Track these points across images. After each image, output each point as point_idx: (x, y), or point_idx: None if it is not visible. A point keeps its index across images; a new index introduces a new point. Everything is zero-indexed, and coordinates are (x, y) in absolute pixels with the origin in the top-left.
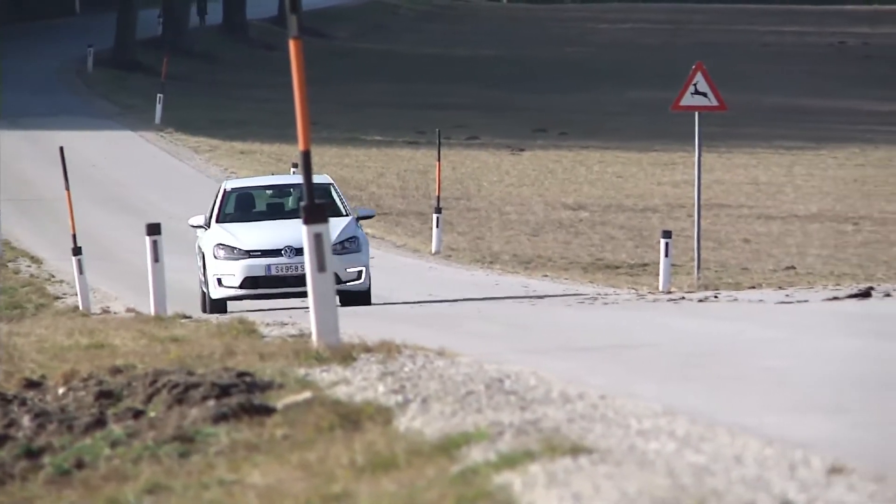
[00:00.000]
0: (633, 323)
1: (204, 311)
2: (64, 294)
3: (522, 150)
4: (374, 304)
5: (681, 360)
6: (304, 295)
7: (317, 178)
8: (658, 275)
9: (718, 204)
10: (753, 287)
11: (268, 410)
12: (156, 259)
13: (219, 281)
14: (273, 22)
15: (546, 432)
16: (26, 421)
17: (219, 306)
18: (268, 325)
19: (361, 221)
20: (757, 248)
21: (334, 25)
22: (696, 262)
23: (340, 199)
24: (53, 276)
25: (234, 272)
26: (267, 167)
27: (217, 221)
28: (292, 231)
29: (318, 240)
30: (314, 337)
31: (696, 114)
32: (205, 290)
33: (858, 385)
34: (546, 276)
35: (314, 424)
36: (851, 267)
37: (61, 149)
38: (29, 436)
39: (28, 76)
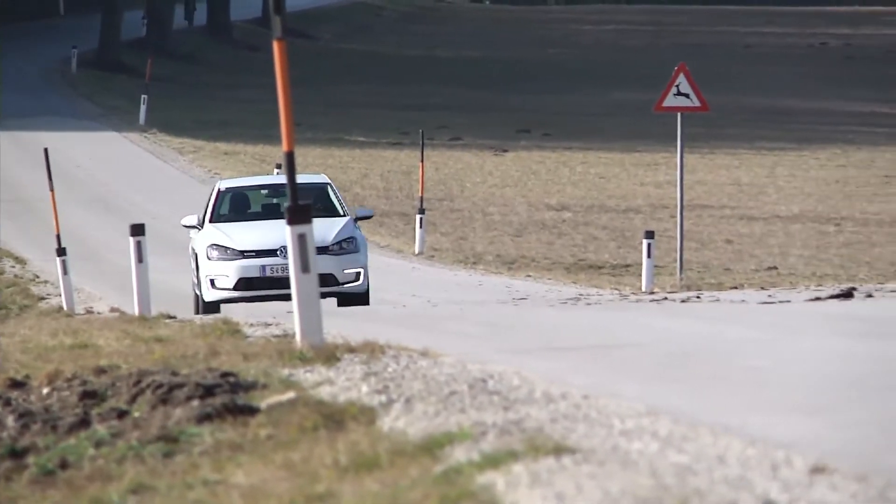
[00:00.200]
0: (616, 323)
1: (197, 313)
2: (48, 294)
3: (506, 150)
4: (357, 304)
5: (663, 361)
6: None
7: (314, 178)
8: (641, 275)
9: (701, 205)
10: (736, 287)
11: (252, 410)
12: (140, 259)
13: (212, 282)
14: (257, 23)
15: (529, 432)
16: (10, 421)
17: (212, 309)
18: (252, 325)
19: (360, 222)
20: (739, 248)
21: (318, 26)
22: (678, 263)
23: (338, 199)
24: (38, 277)
25: (227, 273)
26: (251, 168)
27: (211, 221)
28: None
29: (301, 240)
30: (298, 337)
31: (679, 115)
32: (197, 292)
33: (841, 385)
34: (529, 276)
35: (298, 424)
36: (833, 267)
37: (45, 150)
38: (13, 436)
39: (12, 77)
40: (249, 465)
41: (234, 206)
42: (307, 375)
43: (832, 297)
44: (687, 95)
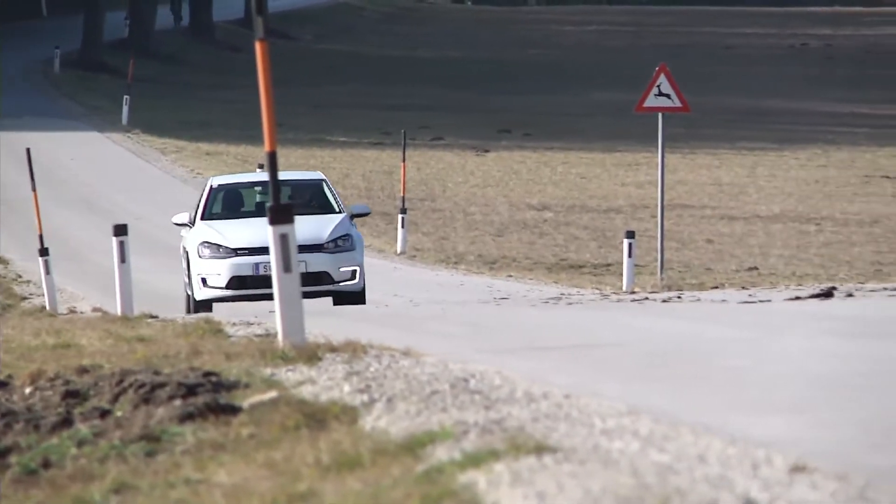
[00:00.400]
0: (597, 323)
1: (188, 313)
2: (31, 294)
3: (487, 151)
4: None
5: (644, 360)
6: None
7: (309, 175)
8: (622, 275)
9: (682, 204)
10: (716, 287)
11: (234, 410)
12: (122, 259)
13: (203, 281)
14: (239, 24)
15: (511, 431)
16: None
17: (204, 308)
18: (234, 324)
19: (356, 219)
20: (720, 248)
21: (300, 27)
22: (659, 263)
23: (333, 196)
24: (20, 277)
25: (219, 271)
26: (233, 168)
27: (202, 219)
28: None
29: (283, 240)
30: (280, 337)
31: (660, 115)
32: (189, 291)
33: (821, 384)
34: (510, 276)
35: (280, 424)
36: (813, 267)
37: (28, 150)
38: None
39: None
40: (232, 464)
41: (227, 204)
42: (289, 375)
43: (812, 296)
44: (668, 96)
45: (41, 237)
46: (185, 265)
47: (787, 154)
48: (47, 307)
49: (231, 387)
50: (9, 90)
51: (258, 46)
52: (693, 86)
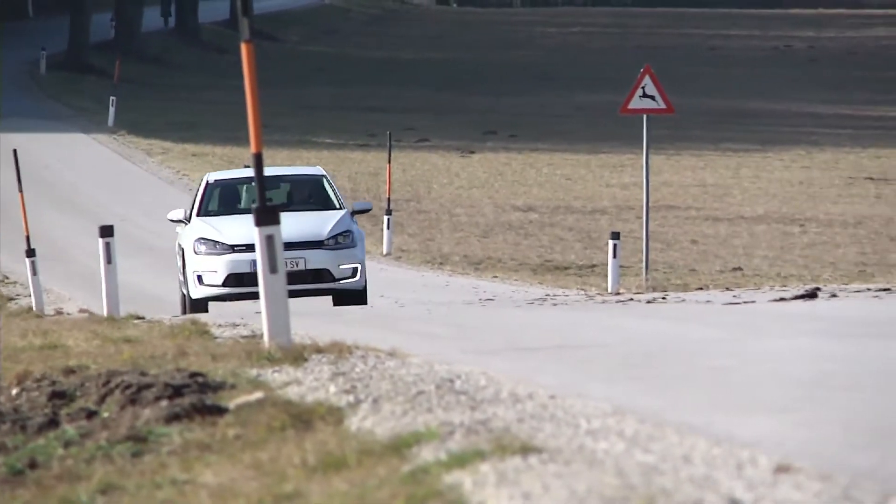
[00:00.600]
0: (582, 324)
1: (184, 313)
2: (17, 295)
3: (472, 152)
4: (322, 305)
5: (629, 361)
6: (293, 295)
7: (309, 170)
8: (607, 276)
9: (666, 206)
10: (701, 288)
11: (220, 410)
12: (108, 260)
13: (199, 278)
14: (225, 25)
15: (496, 432)
16: None
17: (200, 307)
18: (220, 326)
19: (357, 216)
20: (704, 249)
21: (286, 29)
22: (644, 264)
23: (334, 192)
24: (7, 278)
25: (216, 268)
26: (219, 169)
27: (198, 215)
28: (281, 224)
29: (269, 241)
30: (266, 338)
31: (645, 116)
32: (184, 290)
33: (805, 385)
34: (496, 277)
35: (266, 424)
36: (798, 268)
37: (14, 151)
38: None
39: None
40: (218, 464)
41: (223, 200)
42: (275, 376)
43: (796, 297)
44: (652, 98)
45: (28, 238)
46: (180, 263)
47: (771, 155)
48: (34, 308)
49: (217, 388)
50: None
51: (244, 48)
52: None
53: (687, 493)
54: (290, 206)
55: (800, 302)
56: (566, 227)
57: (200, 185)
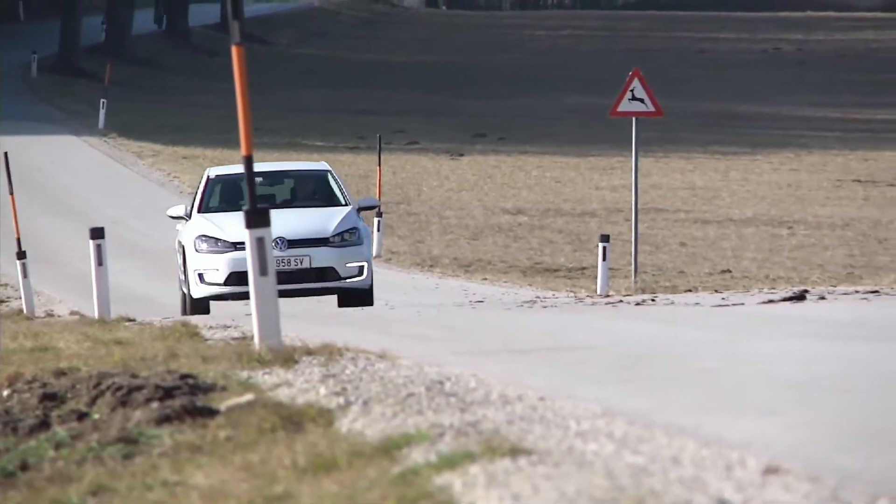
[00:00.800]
0: (572, 326)
1: (184, 313)
2: (8, 297)
3: (462, 154)
4: (313, 307)
5: (619, 363)
6: (298, 294)
7: (313, 165)
8: (596, 278)
9: (655, 208)
10: (690, 290)
11: (211, 412)
12: (99, 263)
13: (200, 277)
14: (215, 28)
15: (486, 434)
16: None
17: (201, 307)
18: (210, 328)
19: (363, 212)
20: (693, 251)
21: (276, 32)
22: (633, 266)
23: (339, 188)
24: None
25: (217, 267)
26: None
27: (199, 212)
28: (284, 221)
29: (259, 244)
30: (256, 340)
31: (634, 119)
32: (184, 289)
33: (793, 386)
34: (486, 279)
35: (256, 426)
36: (786, 270)
37: (5, 154)
38: None
39: None
40: (208, 466)
41: (225, 196)
42: (266, 378)
43: (785, 299)
44: (641, 100)
45: (18, 240)
46: (180, 261)
47: (759, 158)
48: (25, 310)
49: (208, 389)
50: None
51: (234, 51)
52: (666, 90)
53: (676, 495)
54: (294, 202)
55: (788, 304)
56: (556, 230)
57: (201, 180)
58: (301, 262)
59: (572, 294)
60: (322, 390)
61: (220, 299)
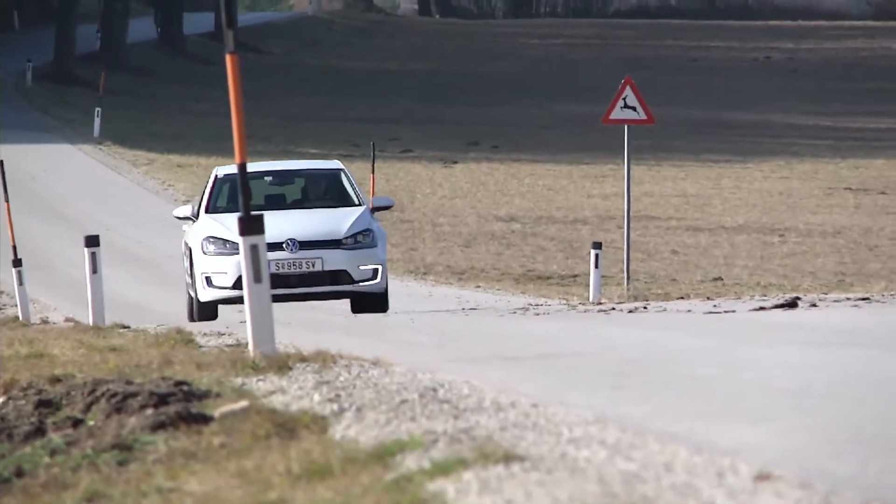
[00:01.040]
0: (564, 333)
1: (191, 318)
2: (4, 305)
3: (455, 162)
4: (306, 314)
5: (611, 369)
6: (309, 298)
7: (325, 164)
8: (588, 285)
9: (647, 216)
10: (682, 297)
11: (205, 419)
12: (94, 270)
13: (207, 280)
14: (209, 37)
15: (479, 440)
16: None
17: (208, 311)
18: (205, 335)
19: (377, 213)
20: (685, 259)
21: (270, 41)
22: (625, 273)
23: (353, 187)
24: None
25: (226, 269)
26: (204, 180)
27: (207, 212)
28: (295, 222)
29: (253, 251)
30: (250, 347)
31: (626, 127)
32: (191, 292)
33: (785, 393)
34: (479, 286)
35: (251, 433)
36: (777, 277)
37: (0, 162)
38: None
39: None
40: (203, 472)
41: (234, 196)
42: (260, 384)
43: (776, 306)
44: (634, 108)
45: (14, 248)
46: (186, 263)
47: (751, 166)
48: (20, 317)
49: (202, 396)
50: None
51: (229, 59)
52: (658, 98)
53: (668, 501)
54: (306, 202)
55: (780, 311)
56: (548, 237)
57: (209, 180)
58: (313, 265)
59: (565, 301)
60: (316, 397)
61: (228, 303)
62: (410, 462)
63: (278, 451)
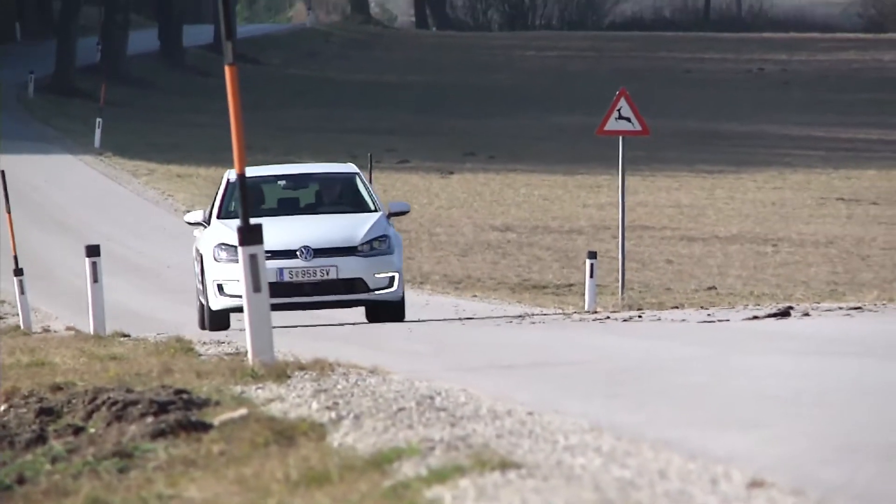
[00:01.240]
0: (560, 341)
1: (202, 326)
2: (5, 314)
3: (452, 173)
4: (304, 325)
5: (606, 378)
6: (324, 306)
7: (339, 168)
8: (584, 295)
9: (642, 226)
10: (676, 307)
11: (205, 427)
12: (95, 279)
13: (220, 288)
14: (209, 49)
15: (475, 448)
16: None
17: (220, 320)
18: (204, 343)
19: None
20: (679, 268)
21: (268, 52)
22: (620, 283)
23: (368, 192)
24: None
25: (238, 277)
26: (203, 190)
27: (219, 217)
28: (310, 228)
29: (253, 261)
30: (249, 355)
31: (621, 138)
32: (203, 300)
33: (777, 401)
34: (475, 296)
35: (250, 440)
36: (770, 287)
37: (2, 172)
38: None
39: None
40: (202, 479)
41: (247, 200)
42: (259, 392)
43: (769, 315)
44: (628, 119)
45: (15, 258)
46: (198, 270)
47: (744, 176)
48: (22, 326)
49: (202, 404)
50: None
51: (228, 71)
52: (653, 110)
53: None
54: (320, 207)
55: (773, 320)
56: (544, 247)
57: (221, 183)
58: (327, 273)
59: (560, 310)
60: (314, 405)
61: (240, 312)
62: (408, 469)
63: (277, 459)
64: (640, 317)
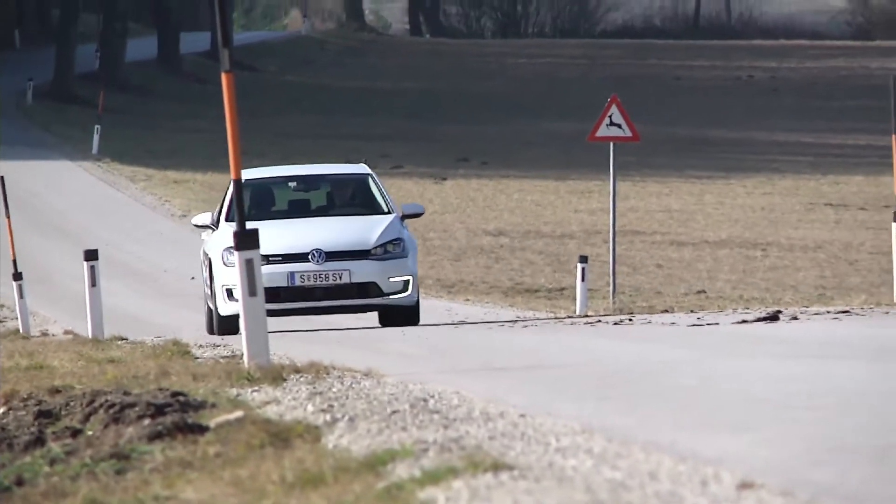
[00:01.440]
0: (552, 345)
1: (210, 331)
2: (4, 318)
3: (445, 178)
4: (301, 330)
5: (597, 380)
6: (337, 311)
7: (352, 169)
8: (575, 298)
9: (633, 231)
10: (666, 310)
11: (201, 429)
12: (93, 284)
13: (229, 293)
14: (206, 56)
15: (468, 449)
16: None
17: (229, 325)
18: (201, 346)
19: (407, 221)
20: (669, 272)
21: (264, 59)
22: (611, 287)
23: (381, 194)
24: None
25: None
26: (200, 195)
27: (228, 220)
28: (321, 231)
29: (248, 265)
30: (245, 358)
31: (612, 144)
32: (211, 305)
33: (766, 403)
34: (468, 299)
35: (245, 442)
36: (760, 291)
37: (2, 178)
38: None
39: None
40: (199, 481)
41: (256, 203)
42: (254, 395)
43: (758, 319)
44: (619, 126)
45: (14, 262)
46: (206, 275)
47: (733, 182)
48: (20, 330)
49: (198, 407)
50: None
51: (224, 78)
52: (643, 116)
53: None
54: (332, 209)
55: (762, 324)
56: (536, 252)
57: (229, 185)
58: (340, 277)
59: (552, 314)
60: (309, 407)
61: None
62: (401, 471)
63: (272, 460)
64: (630, 320)
